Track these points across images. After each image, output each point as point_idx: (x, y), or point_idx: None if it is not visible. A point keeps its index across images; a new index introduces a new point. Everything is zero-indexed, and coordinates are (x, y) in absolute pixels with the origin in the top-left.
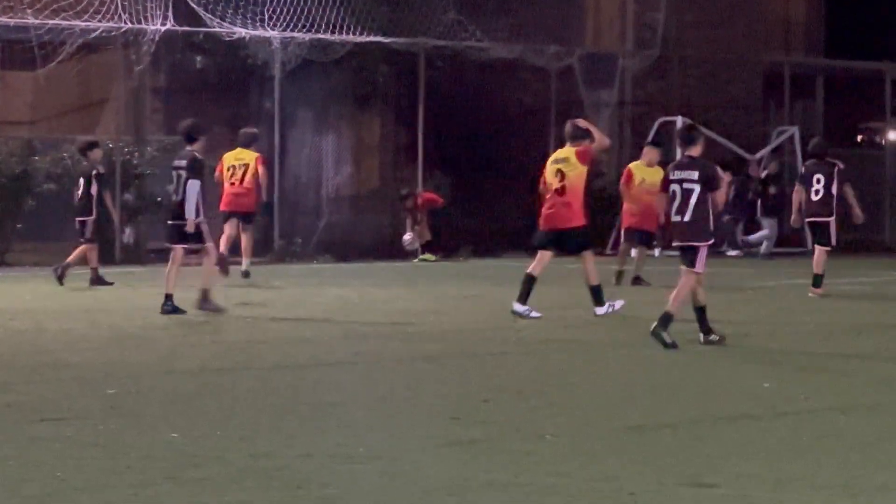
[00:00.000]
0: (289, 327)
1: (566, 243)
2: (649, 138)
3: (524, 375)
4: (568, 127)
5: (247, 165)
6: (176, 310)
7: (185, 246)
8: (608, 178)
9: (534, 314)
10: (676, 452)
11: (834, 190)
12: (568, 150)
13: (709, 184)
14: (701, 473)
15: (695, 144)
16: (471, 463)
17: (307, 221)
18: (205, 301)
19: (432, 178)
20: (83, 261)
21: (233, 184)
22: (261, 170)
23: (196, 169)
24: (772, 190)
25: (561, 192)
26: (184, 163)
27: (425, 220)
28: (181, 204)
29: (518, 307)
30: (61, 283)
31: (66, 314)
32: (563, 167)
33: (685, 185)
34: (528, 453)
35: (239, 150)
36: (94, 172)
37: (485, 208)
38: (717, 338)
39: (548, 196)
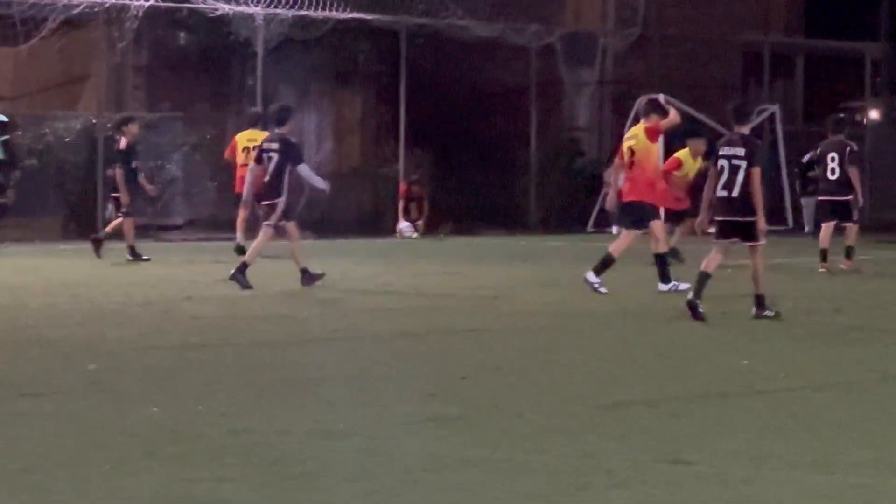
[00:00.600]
0: (268, 304)
1: (625, 216)
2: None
3: (503, 353)
4: (641, 103)
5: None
6: (314, 277)
7: (270, 224)
8: (589, 157)
9: (682, 286)
10: (654, 430)
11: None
12: (639, 127)
13: (751, 160)
14: (678, 451)
15: (745, 122)
16: (448, 440)
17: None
18: (241, 274)
19: (413, 155)
20: (120, 234)
21: (245, 165)
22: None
23: (294, 151)
24: (811, 174)
25: (630, 168)
26: (275, 145)
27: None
28: (271, 184)
29: (661, 286)
30: (145, 259)
31: (47, 290)
32: (633, 144)
33: (734, 162)
34: (506, 430)
35: (250, 131)
36: (115, 148)
37: (465, 186)
38: (702, 313)
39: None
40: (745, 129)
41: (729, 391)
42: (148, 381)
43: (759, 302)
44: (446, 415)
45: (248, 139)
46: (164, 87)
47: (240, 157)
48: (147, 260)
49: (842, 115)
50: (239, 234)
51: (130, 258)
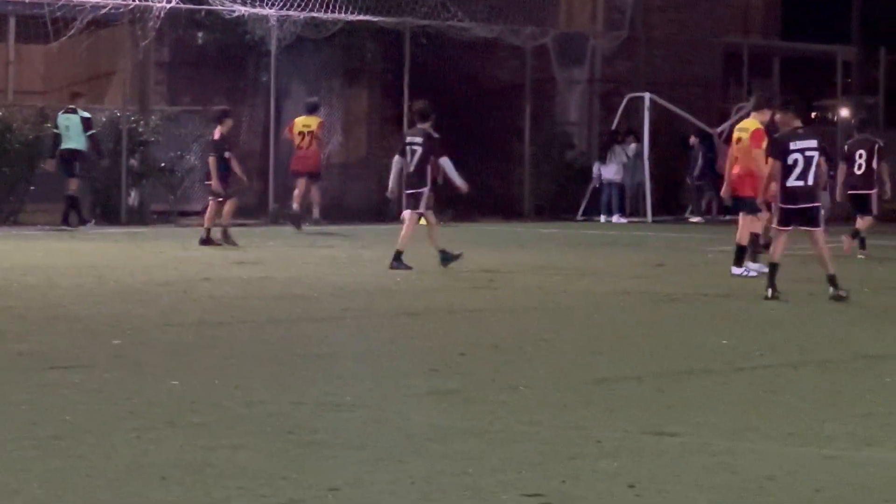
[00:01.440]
0: (281, 284)
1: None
2: (618, 114)
3: (500, 331)
4: (753, 97)
5: (312, 132)
6: (402, 265)
7: (419, 212)
8: (579, 150)
9: (752, 272)
10: (641, 403)
11: (875, 165)
12: (750, 123)
13: (823, 151)
14: (663, 423)
15: (800, 117)
16: (449, 411)
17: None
18: (396, 261)
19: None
20: (225, 215)
21: (300, 147)
22: (319, 133)
23: (437, 144)
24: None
25: (736, 160)
26: (419, 139)
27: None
28: (414, 175)
29: (735, 270)
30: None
31: (75, 270)
32: (742, 136)
33: (807, 154)
34: (503, 403)
35: (305, 117)
36: (210, 139)
37: (465, 176)
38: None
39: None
40: (799, 123)
41: (710, 368)
42: (169, 355)
43: (833, 282)
44: (447, 388)
45: (303, 124)
46: (184, 83)
47: (295, 140)
48: (236, 245)
49: (866, 115)
50: (316, 209)
51: (221, 241)
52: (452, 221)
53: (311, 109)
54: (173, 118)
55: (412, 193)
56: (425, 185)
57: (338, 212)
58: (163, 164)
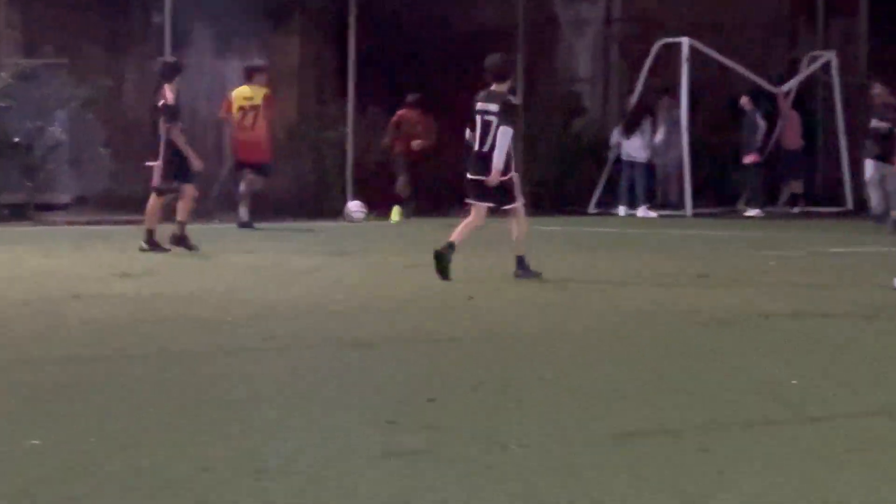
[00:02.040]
0: (181, 304)
1: None
2: (645, 67)
3: (482, 367)
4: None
5: (257, 107)
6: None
7: (490, 205)
8: (591, 116)
9: None
10: (678, 467)
11: None
12: None
13: None
14: (708, 494)
15: None
16: (413, 479)
17: (206, 168)
18: (522, 268)
19: (365, 115)
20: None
21: (243, 129)
22: (267, 112)
23: (510, 114)
24: None
25: None
26: (494, 107)
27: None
28: (489, 156)
29: None
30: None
31: None
32: None
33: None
34: (488, 467)
35: (246, 87)
36: (161, 103)
37: (432, 154)
38: None
39: None
40: None
41: (773, 418)
42: (26, 403)
43: None
44: (410, 447)
45: (244, 97)
46: (45, 27)
47: (235, 119)
48: (168, 251)
49: None
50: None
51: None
52: (414, 215)
53: (251, 75)
54: (31, 75)
55: (479, 181)
56: (509, 170)
57: (258, 204)
58: (16, 140)
